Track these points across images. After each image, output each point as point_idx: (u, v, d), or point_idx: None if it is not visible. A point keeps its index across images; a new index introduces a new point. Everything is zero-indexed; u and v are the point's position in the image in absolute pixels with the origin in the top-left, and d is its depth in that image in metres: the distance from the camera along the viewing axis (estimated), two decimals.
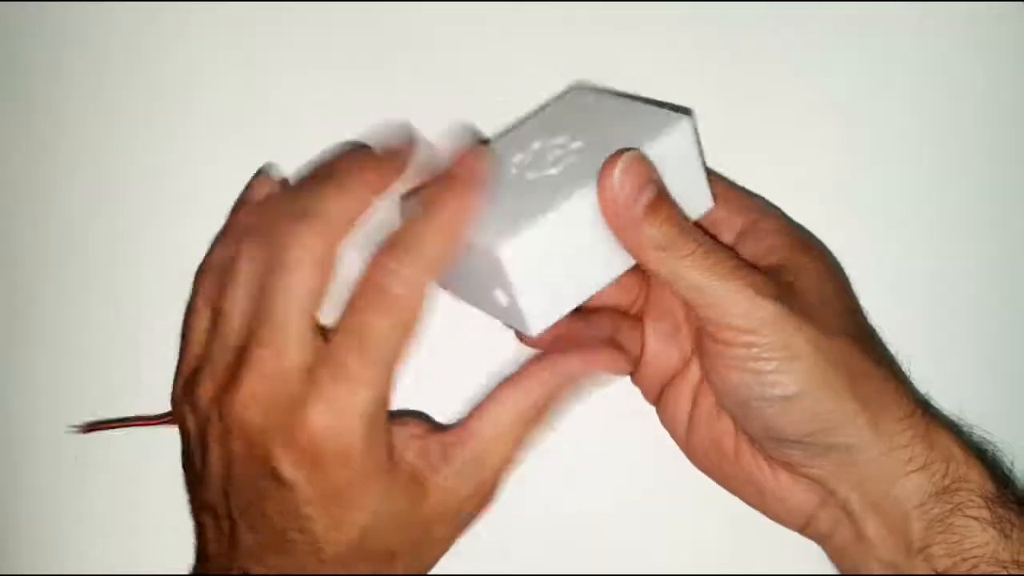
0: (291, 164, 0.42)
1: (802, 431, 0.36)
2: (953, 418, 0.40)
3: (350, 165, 0.37)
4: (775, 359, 0.35)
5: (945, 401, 0.41)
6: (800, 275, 0.37)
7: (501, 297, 0.35)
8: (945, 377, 0.41)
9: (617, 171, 0.34)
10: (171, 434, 0.40)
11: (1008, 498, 0.35)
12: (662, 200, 0.35)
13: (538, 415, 0.37)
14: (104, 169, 0.45)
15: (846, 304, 0.38)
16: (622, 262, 0.36)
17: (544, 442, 0.44)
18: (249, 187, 0.41)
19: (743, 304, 0.35)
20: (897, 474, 0.36)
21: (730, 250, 0.36)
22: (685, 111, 0.37)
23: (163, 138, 0.44)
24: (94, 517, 0.45)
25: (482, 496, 0.37)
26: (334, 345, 0.34)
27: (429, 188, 0.36)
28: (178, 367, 0.38)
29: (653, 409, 0.43)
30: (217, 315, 0.36)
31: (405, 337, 0.34)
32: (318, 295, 0.34)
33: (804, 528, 0.39)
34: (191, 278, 0.42)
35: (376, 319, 0.33)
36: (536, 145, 0.38)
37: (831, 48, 0.44)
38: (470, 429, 0.36)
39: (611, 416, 0.45)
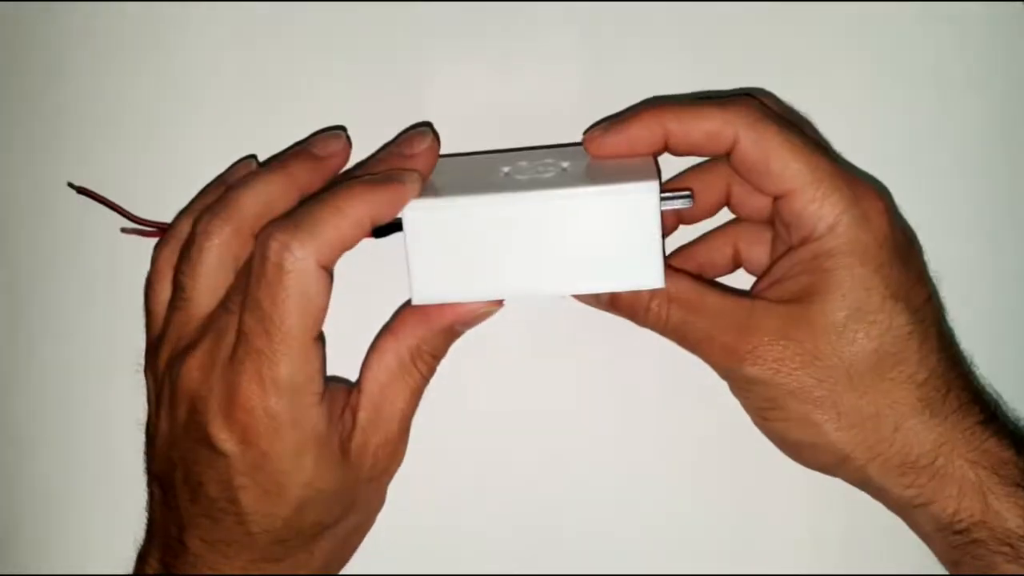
0: None
1: (808, 465, 0.39)
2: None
3: (289, 160, 0.39)
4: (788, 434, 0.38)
5: None
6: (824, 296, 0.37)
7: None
8: None
9: None
10: None
11: None
12: (616, 297, 0.38)
13: (415, 357, 0.38)
14: (104, 169, 0.44)
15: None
16: (561, 286, 0.36)
17: (544, 441, 0.44)
18: (229, 170, 0.43)
19: (724, 368, 0.38)
20: (909, 505, 0.37)
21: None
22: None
23: (163, 138, 0.44)
24: (94, 516, 0.45)
25: (391, 448, 0.38)
26: (243, 319, 0.35)
27: (354, 172, 0.38)
28: (146, 338, 0.40)
29: (653, 409, 0.43)
30: (176, 286, 0.38)
31: (305, 312, 0.34)
32: (230, 267, 0.37)
33: None
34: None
35: (271, 294, 0.34)
36: (524, 163, 0.39)
37: (831, 48, 0.44)
38: (361, 387, 0.38)
39: (611, 415, 0.45)
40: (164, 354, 0.38)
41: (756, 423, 0.39)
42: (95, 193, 0.43)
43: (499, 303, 0.38)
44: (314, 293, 0.34)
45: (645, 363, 0.44)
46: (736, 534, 0.44)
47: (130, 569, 0.39)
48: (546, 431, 0.44)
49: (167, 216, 0.42)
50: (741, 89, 0.43)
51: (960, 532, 0.36)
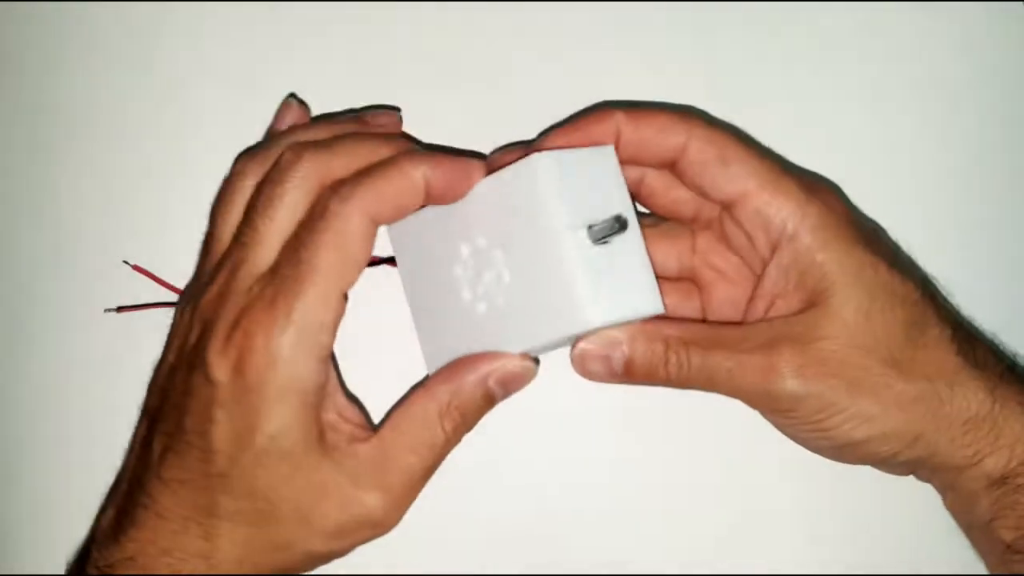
0: None
1: (869, 461, 0.38)
2: None
3: (375, 125, 0.39)
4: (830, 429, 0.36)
5: None
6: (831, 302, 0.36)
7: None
8: None
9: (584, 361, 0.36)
10: None
11: None
12: (630, 362, 0.36)
13: (443, 414, 0.36)
14: (104, 169, 0.44)
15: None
16: (630, 211, 0.35)
17: (543, 443, 0.44)
18: (277, 115, 0.42)
19: (763, 393, 0.36)
20: (964, 467, 0.36)
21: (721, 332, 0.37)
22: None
23: (163, 137, 0.44)
24: (94, 516, 0.45)
25: (384, 503, 0.35)
26: (279, 257, 0.35)
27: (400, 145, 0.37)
28: (198, 264, 0.39)
29: (652, 409, 0.43)
30: (210, 231, 0.38)
31: (340, 260, 0.34)
32: (301, 212, 0.35)
33: None
34: (190, 277, 0.42)
35: (313, 236, 0.34)
36: (465, 250, 0.37)
37: (830, 48, 0.44)
38: (379, 428, 0.36)
39: (610, 417, 0.45)
40: (193, 285, 0.37)
41: (810, 439, 0.37)
42: (150, 273, 0.43)
43: (535, 361, 0.36)
44: (352, 239, 0.34)
45: None
46: (736, 534, 0.44)
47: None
48: (545, 431, 0.44)
49: (174, 220, 0.42)
50: (742, 93, 0.43)
51: (1007, 480, 0.36)
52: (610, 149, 0.36)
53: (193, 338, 0.36)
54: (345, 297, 0.34)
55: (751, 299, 0.38)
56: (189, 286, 0.38)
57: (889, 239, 0.39)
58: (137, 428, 0.38)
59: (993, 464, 0.36)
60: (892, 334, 0.36)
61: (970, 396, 0.36)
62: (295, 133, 0.38)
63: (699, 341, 0.36)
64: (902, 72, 0.44)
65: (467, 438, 0.42)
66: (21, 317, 0.45)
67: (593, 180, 0.35)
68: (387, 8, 0.44)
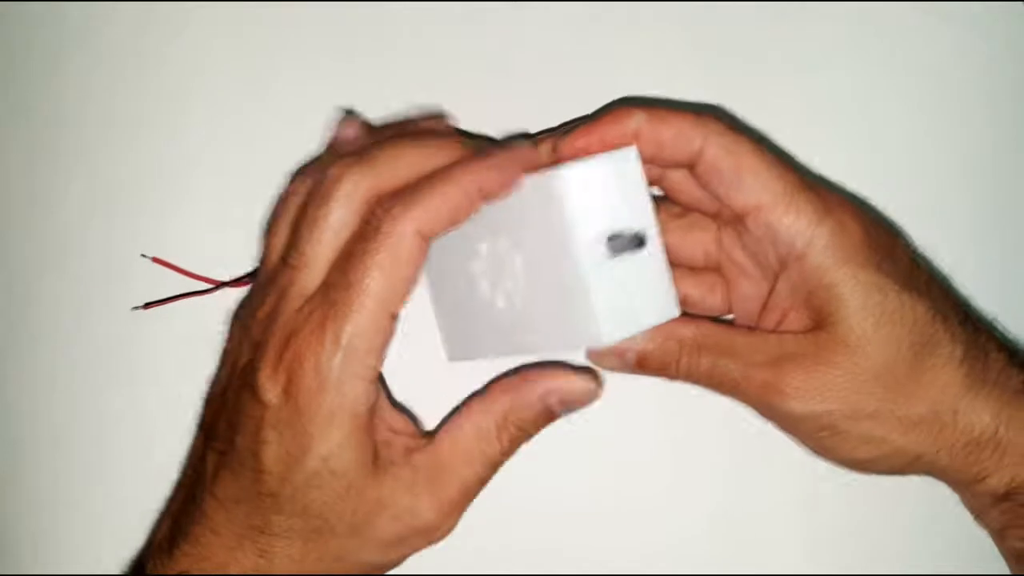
0: (292, 162, 0.42)
1: (872, 473, 0.38)
2: None
3: (428, 134, 0.38)
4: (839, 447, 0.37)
5: None
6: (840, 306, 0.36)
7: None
8: None
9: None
10: (166, 436, 0.40)
11: None
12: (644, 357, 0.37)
13: (500, 427, 0.36)
14: (104, 169, 0.44)
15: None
16: (652, 226, 0.35)
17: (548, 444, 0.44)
18: (335, 132, 0.41)
19: (767, 407, 0.37)
20: (968, 483, 0.37)
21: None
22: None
23: (164, 138, 0.44)
24: (94, 516, 0.45)
25: (437, 513, 0.36)
26: (329, 278, 0.34)
27: (446, 146, 0.36)
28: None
29: (652, 409, 0.43)
30: (266, 243, 0.37)
31: (392, 278, 0.33)
32: (347, 231, 0.35)
33: None
34: (191, 278, 0.42)
35: (364, 255, 0.33)
36: (484, 248, 0.37)
37: (830, 48, 0.44)
38: (433, 437, 0.36)
39: (610, 416, 0.45)
40: (245, 306, 0.37)
41: (813, 450, 0.38)
42: (172, 264, 0.43)
43: (600, 384, 0.36)
44: (404, 260, 0.33)
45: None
46: (736, 533, 0.44)
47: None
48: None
49: (175, 220, 0.42)
50: (735, 92, 0.43)
51: (1011, 496, 0.37)
52: (633, 153, 0.35)
53: (244, 358, 0.36)
54: (395, 317, 0.34)
55: (764, 307, 0.38)
56: (242, 302, 0.38)
57: (907, 253, 0.38)
58: (194, 442, 0.38)
59: (997, 481, 0.37)
60: (898, 359, 0.36)
61: (974, 418, 0.36)
62: (345, 147, 0.38)
63: (711, 346, 0.36)
64: (902, 72, 0.44)
65: None
66: (38, 317, 0.45)
67: (615, 190, 0.35)
68: (396, 5, 0.44)
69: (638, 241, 0.34)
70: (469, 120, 0.43)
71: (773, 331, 0.37)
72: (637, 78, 0.43)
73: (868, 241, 0.36)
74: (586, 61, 0.44)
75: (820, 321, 0.36)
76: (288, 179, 0.38)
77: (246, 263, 0.41)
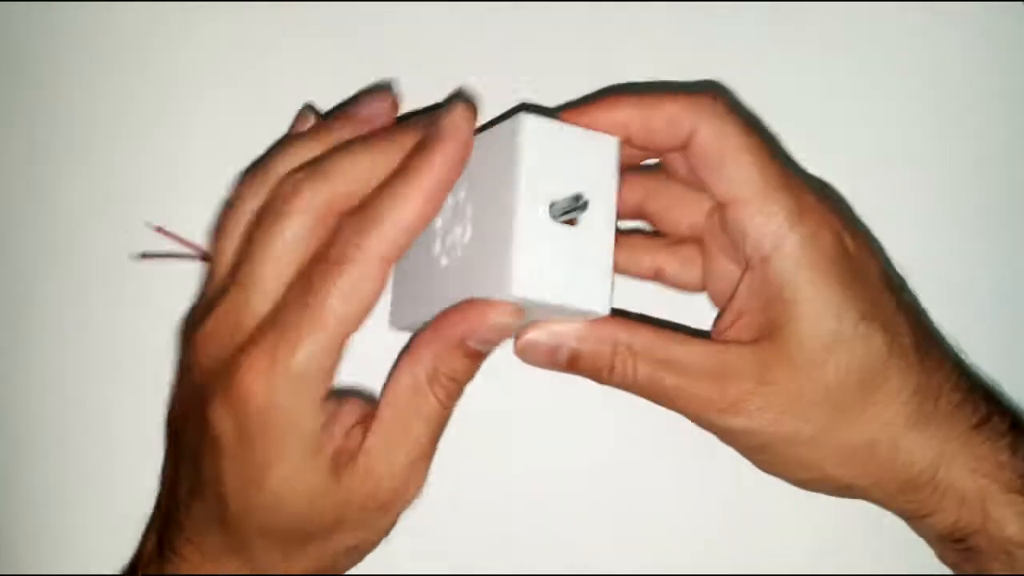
0: None
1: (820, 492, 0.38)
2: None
3: (369, 117, 0.37)
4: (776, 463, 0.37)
5: None
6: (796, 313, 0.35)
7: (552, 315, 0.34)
8: None
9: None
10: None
11: None
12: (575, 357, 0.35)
13: (431, 380, 0.35)
14: (104, 169, 0.44)
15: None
16: (606, 204, 0.34)
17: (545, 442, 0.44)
18: (292, 127, 0.40)
19: (704, 420, 0.36)
20: (909, 517, 0.37)
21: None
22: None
23: (164, 138, 0.44)
24: (94, 516, 0.45)
25: (397, 482, 0.35)
26: (283, 301, 0.33)
27: (410, 151, 0.35)
28: (201, 290, 0.38)
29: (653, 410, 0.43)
30: (213, 253, 0.36)
31: (351, 306, 0.33)
32: (302, 249, 0.34)
33: None
34: (190, 278, 0.42)
35: (326, 285, 0.32)
36: (449, 201, 0.36)
37: (830, 49, 0.44)
38: (376, 411, 0.35)
39: (611, 416, 0.45)
40: (191, 318, 0.36)
41: (751, 461, 0.37)
42: (173, 234, 0.42)
43: (519, 313, 0.34)
44: (368, 287, 0.32)
45: None
46: (736, 533, 0.44)
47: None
48: (544, 431, 0.44)
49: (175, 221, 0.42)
50: (740, 94, 0.43)
51: (959, 540, 0.36)
52: (614, 141, 0.34)
53: (196, 382, 0.35)
54: (349, 338, 0.34)
55: (724, 309, 0.37)
56: (190, 313, 0.37)
57: (879, 274, 0.36)
58: (165, 458, 0.38)
59: (940, 522, 0.36)
60: (843, 388, 0.34)
61: (914, 457, 0.35)
62: (294, 150, 0.37)
63: (647, 354, 0.35)
64: (902, 72, 0.44)
65: (458, 439, 0.42)
66: (21, 317, 0.45)
67: (582, 161, 0.33)
68: (390, 4, 0.44)
69: (580, 205, 0.33)
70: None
71: (718, 339, 0.36)
72: (635, 72, 0.43)
73: (838, 257, 0.35)
74: (584, 54, 0.44)
75: (771, 332, 0.35)
76: (239, 178, 0.37)
77: None
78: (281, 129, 0.43)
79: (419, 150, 0.34)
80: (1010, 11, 0.44)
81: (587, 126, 0.34)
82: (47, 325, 0.45)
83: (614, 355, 0.35)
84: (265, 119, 0.43)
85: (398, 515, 0.36)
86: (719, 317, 0.37)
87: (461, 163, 0.34)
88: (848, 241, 0.35)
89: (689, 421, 0.36)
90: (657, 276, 0.40)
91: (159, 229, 0.42)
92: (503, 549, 0.44)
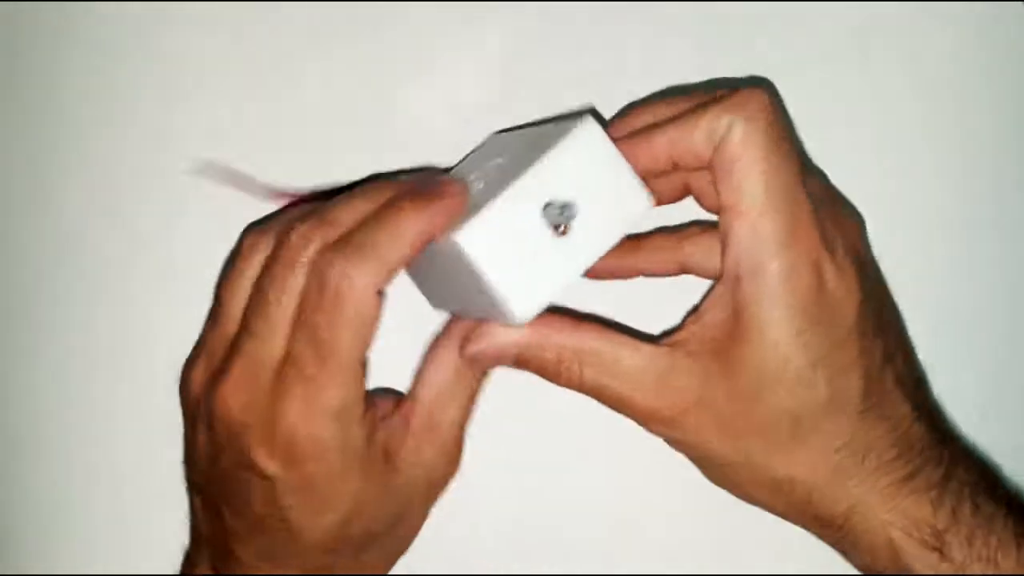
0: (295, 164, 0.43)
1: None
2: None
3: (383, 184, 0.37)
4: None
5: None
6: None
7: (481, 296, 0.34)
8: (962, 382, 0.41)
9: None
10: (167, 436, 0.40)
11: None
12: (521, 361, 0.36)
13: (470, 366, 0.37)
14: (105, 169, 0.44)
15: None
16: (600, 240, 0.34)
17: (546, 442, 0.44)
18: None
19: (645, 426, 0.36)
20: (833, 547, 0.37)
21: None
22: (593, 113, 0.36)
23: (164, 138, 0.44)
24: (95, 516, 0.45)
25: (446, 458, 0.38)
26: (293, 345, 0.34)
27: (397, 189, 0.36)
28: (202, 338, 0.39)
29: None
30: (218, 303, 0.37)
31: (360, 337, 0.34)
32: None
33: None
34: (190, 278, 0.42)
35: (329, 321, 0.33)
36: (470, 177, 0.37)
37: (831, 49, 0.44)
38: (415, 396, 0.38)
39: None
40: (200, 368, 0.37)
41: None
42: (224, 172, 0.42)
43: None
44: (370, 320, 0.34)
45: None
46: (736, 533, 0.44)
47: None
48: (544, 431, 0.45)
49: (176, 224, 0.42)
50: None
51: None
52: (644, 201, 0.34)
53: (222, 436, 0.36)
54: (366, 362, 0.35)
55: (694, 309, 0.37)
56: (193, 363, 0.38)
57: (845, 318, 0.35)
58: (192, 500, 0.39)
59: (854, 559, 0.36)
60: (775, 425, 0.34)
61: (826, 504, 0.35)
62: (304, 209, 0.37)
63: (595, 362, 0.35)
64: (901, 72, 0.44)
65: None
66: (21, 317, 0.45)
67: (605, 194, 0.34)
68: (390, 7, 0.44)
69: (567, 215, 0.33)
70: (474, 114, 0.43)
71: (672, 343, 0.36)
72: (636, 74, 0.43)
73: (811, 294, 0.34)
74: (586, 55, 0.44)
75: (722, 350, 0.34)
76: (243, 235, 0.38)
77: None
78: (281, 129, 0.43)
79: (408, 191, 0.35)
80: (1010, 11, 0.44)
81: (628, 157, 0.34)
82: (48, 325, 0.45)
83: (559, 361, 0.35)
84: (265, 119, 0.43)
85: (443, 492, 0.39)
86: (688, 315, 0.37)
87: (451, 217, 0.34)
88: (829, 277, 0.34)
89: None
90: (684, 269, 0.40)
91: (211, 167, 0.42)
92: (503, 548, 0.44)
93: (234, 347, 0.35)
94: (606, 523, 0.45)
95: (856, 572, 0.39)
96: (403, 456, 0.37)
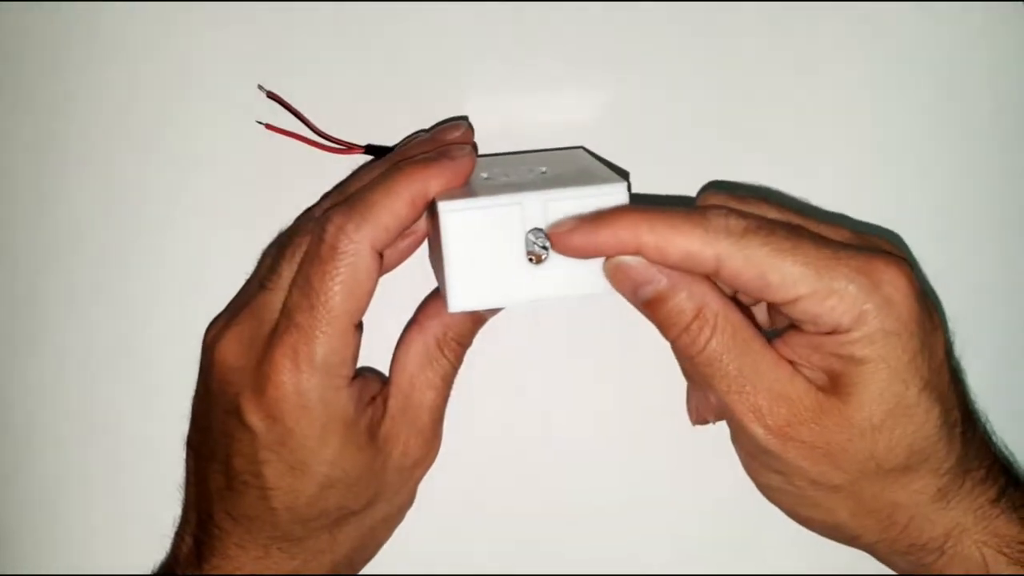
0: (295, 165, 0.43)
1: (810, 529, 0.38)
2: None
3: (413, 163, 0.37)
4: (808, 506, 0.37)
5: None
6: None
7: (440, 266, 0.36)
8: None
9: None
10: (167, 436, 0.41)
11: None
12: (659, 300, 0.34)
13: (441, 345, 0.39)
14: (104, 169, 0.44)
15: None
16: (585, 285, 0.35)
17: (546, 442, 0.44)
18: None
19: (737, 430, 0.36)
20: (905, 571, 0.37)
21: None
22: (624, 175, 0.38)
23: (165, 138, 0.44)
24: (95, 516, 0.45)
25: (422, 439, 0.39)
26: (288, 297, 0.36)
27: (402, 154, 0.37)
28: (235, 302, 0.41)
29: (652, 410, 0.43)
30: (255, 268, 0.40)
31: (350, 292, 0.35)
32: None
33: None
34: (191, 279, 0.42)
35: (321, 272, 0.35)
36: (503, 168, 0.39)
37: (831, 49, 0.44)
38: (391, 378, 0.39)
39: (609, 415, 0.45)
40: (219, 323, 0.39)
41: (753, 479, 0.37)
42: (285, 102, 0.43)
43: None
44: (364, 277, 0.35)
45: (645, 365, 0.43)
46: (737, 532, 0.44)
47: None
48: (543, 431, 0.45)
49: (176, 223, 0.42)
50: (735, 92, 0.43)
51: None
52: (606, 288, 0.35)
53: (216, 385, 0.37)
54: (360, 326, 0.36)
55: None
56: (216, 322, 0.39)
57: (942, 343, 0.35)
58: (187, 460, 0.40)
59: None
60: (892, 451, 0.34)
61: (925, 527, 0.35)
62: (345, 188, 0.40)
63: (731, 334, 0.34)
64: (901, 72, 0.44)
65: (460, 437, 0.42)
66: (21, 317, 0.45)
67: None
68: (396, 6, 0.44)
69: (541, 245, 0.34)
70: (475, 115, 0.43)
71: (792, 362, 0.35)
72: (636, 77, 0.43)
73: (913, 326, 0.33)
74: (585, 59, 0.44)
75: (834, 386, 0.34)
76: (295, 219, 0.41)
77: (248, 262, 0.41)
78: (281, 128, 0.43)
79: (413, 157, 0.36)
80: (1010, 11, 0.44)
81: (595, 247, 0.34)
82: (47, 325, 0.45)
83: (696, 317, 0.34)
84: (266, 119, 0.43)
85: (422, 476, 0.40)
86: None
87: (448, 181, 0.35)
88: (921, 304, 0.34)
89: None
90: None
91: (271, 95, 0.42)
92: (502, 548, 0.44)
93: (247, 300, 0.37)
94: (597, 519, 0.45)
95: (856, 572, 0.40)
96: (382, 435, 0.38)
